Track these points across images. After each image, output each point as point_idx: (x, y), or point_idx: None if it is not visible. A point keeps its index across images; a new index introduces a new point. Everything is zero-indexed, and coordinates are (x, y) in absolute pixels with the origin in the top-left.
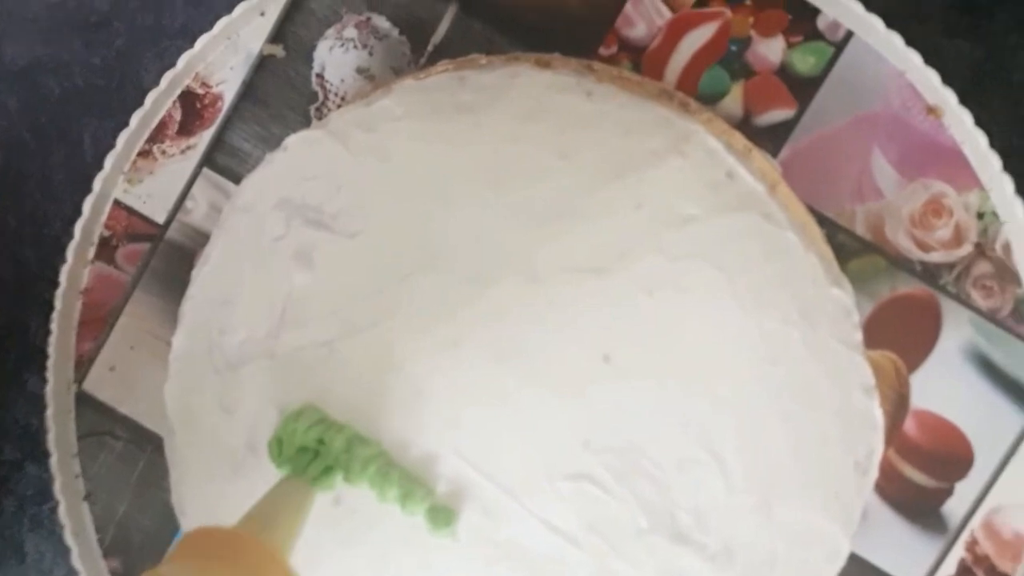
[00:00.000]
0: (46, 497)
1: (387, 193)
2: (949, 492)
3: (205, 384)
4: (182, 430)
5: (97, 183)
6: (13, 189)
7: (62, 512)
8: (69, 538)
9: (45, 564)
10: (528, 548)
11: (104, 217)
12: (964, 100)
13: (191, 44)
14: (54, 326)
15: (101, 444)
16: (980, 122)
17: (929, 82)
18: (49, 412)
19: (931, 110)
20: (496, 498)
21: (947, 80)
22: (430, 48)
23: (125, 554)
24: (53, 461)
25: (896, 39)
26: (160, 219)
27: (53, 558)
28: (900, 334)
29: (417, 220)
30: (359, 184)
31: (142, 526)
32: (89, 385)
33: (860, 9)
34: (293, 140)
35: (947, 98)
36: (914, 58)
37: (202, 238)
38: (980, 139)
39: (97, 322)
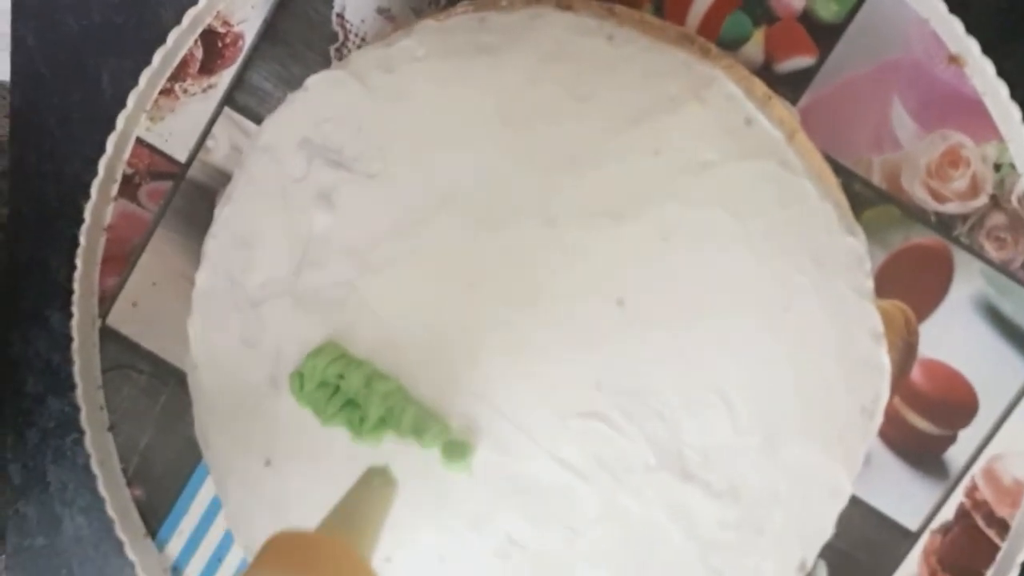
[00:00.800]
0: (68, 429)
1: (406, 134)
2: (952, 439)
3: (227, 320)
4: (205, 365)
5: (120, 121)
6: (32, 126)
7: (88, 442)
8: (95, 467)
9: (68, 494)
10: (539, 482)
11: (127, 155)
12: (987, 50)
13: None
14: (79, 261)
15: (124, 377)
16: (1002, 73)
17: (952, 30)
18: (75, 345)
19: (953, 59)
20: (509, 435)
21: (971, 30)
22: None
23: (148, 483)
24: (79, 393)
25: None
26: (182, 158)
27: (76, 488)
28: (911, 284)
29: (435, 162)
30: (379, 125)
31: (164, 457)
32: (112, 320)
33: None
34: (314, 80)
35: (970, 47)
36: (938, 5)
37: (223, 177)
38: (1001, 89)
39: (120, 259)
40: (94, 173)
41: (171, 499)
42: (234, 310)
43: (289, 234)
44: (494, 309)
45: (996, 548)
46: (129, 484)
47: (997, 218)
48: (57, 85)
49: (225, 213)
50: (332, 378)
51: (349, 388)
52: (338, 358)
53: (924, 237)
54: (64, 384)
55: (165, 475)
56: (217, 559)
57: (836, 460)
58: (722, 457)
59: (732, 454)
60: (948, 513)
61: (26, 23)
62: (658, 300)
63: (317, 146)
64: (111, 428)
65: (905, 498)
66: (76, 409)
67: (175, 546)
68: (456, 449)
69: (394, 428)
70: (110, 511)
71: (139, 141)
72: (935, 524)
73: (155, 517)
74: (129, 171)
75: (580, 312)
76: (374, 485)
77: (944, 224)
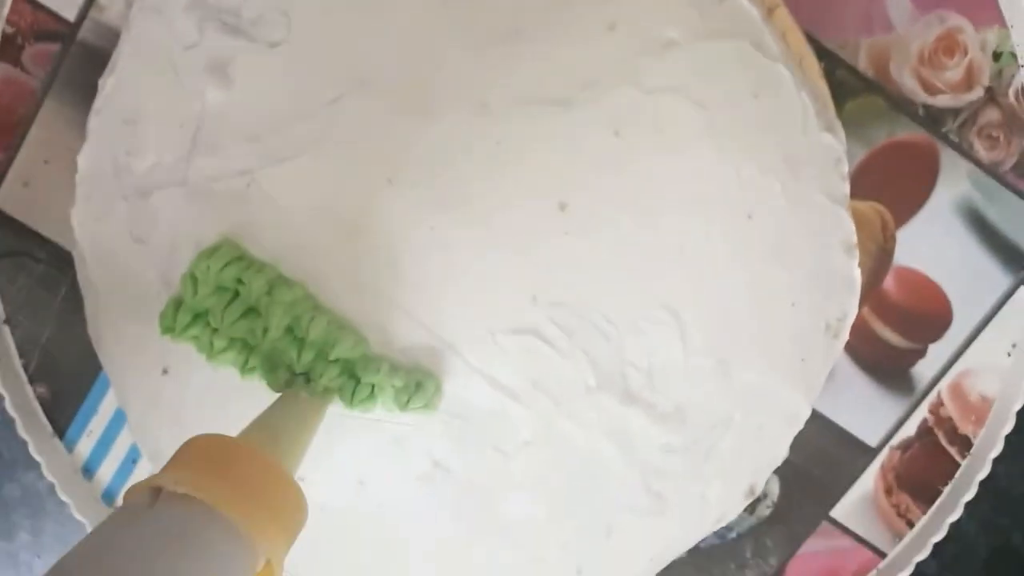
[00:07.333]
0: None
1: None
2: (921, 353)
3: (114, 211)
4: (93, 259)
5: None
6: None
7: None
8: None
9: None
10: (467, 403)
11: (6, 11)
12: None
13: None
14: None
15: (19, 266)
16: None
17: None
18: None
19: None
20: (433, 350)
21: None
22: None
23: (52, 380)
24: None
25: None
26: (70, 16)
27: None
28: (892, 184)
29: (349, 32)
30: None
31: (69, 352)
32: (2, 202)
33: None
34: None
35: None
36: None
37: (119, 40)
38: None
39: (6, 132)
40: None
41: (78, 397)
42: (121, 199)
43: (178, 113)
44: (417, 208)
45: (956, 465)
46: (31, 381)
47: (991, 114)
48: None
49: (109, 84)
50: (230, 282)
51: (250, 294)
52: (236, 260)
53: (910, 133)
54: None
55: (70, 372)
56: (131, 460)
57: (795, 384)
58: (669, 379)
59: (680, 376)
60: (910, 429)
61: None
62: (605, 203)
63: (211, 7)
64: (7, 321)
65: (866, 413)
66: None
67: (85, 447)
68: (372, 364)
69: (300, 340)
70: (10, 410)
71: None
72: (895, 440)
73: (62, 416)
74: (10, 30)
75: (516, 215)
76: (301, 396)
77: (933, 119)
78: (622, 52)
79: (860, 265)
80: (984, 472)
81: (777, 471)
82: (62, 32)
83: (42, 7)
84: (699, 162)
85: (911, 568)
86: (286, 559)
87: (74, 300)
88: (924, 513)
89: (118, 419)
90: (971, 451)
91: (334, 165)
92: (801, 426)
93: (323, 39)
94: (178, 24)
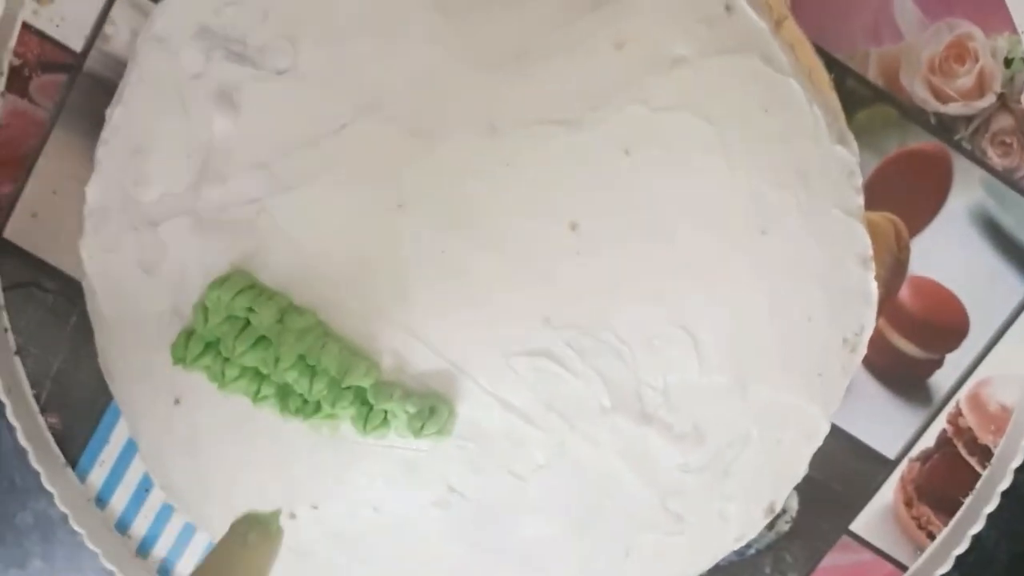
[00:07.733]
0: None
1: (321, 22)
2: (939, 363)
3: (123, 241)
4: (102, 290)
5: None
6: None
7: None
8: (2, 395)
9: None
10: (481, 427)
11: (12, 42)
12: None
13: None
14: None
15: (29, 296)
16: None
17: None
18: None
19: None
20: (446, 375)
21: None
22: None
23: (63, 410)
24: None
25: None
26: (77, 46)
27: None
28: (905, 194)
29: (355, 57)
30: (289, 11)
31: (80, 382)
32: (11, 233)
33: None
34: None
35: None
36: None
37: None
38: None
39: (14, 163)
40: None
41: (90, 427)
42: (130, 229)
43: (186, 142)
44: (427, 233)
45: (976, 476)
46: (43, 411)
47: (1003, 120)
48: None
49: (116, 115)
50: (240, 311)
51: (260, 323)
52: (247, 289)
53: (922, 141)
54: None
55: (82, 402)
56: (144, 489)
57: (813, 399)
58: (685, 397)
59: (697, 394)
60: (929, 440)
61: None
62: (617, 223)
63: (217, 36)
64: (18, 352)
65: (884, 425)
66: None
67: (97, 476)
68: (385, 390)
69: (314, 368)
70: (22, 440)
71: (26, 27)
72: (914, 452)
73: (74, 446)
74: (17, 61)
75: (527, 237)
76: (249, 541)
77: (945, 127)
78: (631, 70)
79: (875, 277)
80: (1006, 482)
81: (796, 487)
82: (69, 63)
83: (49, 38)
84: (711, 179)
85: None
86: None
87: (84, 330)
88: (945, 525)
89: (130, 448)
90: (991, 461)
91: (343, 191)
92: (820, 441)
93: (329, 65)
94: (184, 53)
